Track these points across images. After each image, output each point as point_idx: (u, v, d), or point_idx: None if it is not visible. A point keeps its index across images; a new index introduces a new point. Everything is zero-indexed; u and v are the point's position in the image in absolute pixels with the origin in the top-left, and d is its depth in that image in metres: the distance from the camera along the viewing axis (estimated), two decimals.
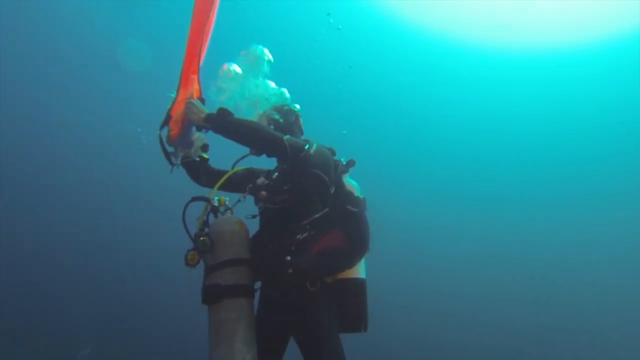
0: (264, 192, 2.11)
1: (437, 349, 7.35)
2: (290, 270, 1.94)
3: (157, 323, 6.76)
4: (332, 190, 2.14)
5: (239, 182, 2.27)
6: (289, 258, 1.95)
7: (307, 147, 2.10)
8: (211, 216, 2.11)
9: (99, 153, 8.10)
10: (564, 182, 9.11)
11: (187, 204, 2.03)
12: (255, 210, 2.27)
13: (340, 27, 7.58)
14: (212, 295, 1.89)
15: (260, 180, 2.22)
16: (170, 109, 2.15)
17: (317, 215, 2.05)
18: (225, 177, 2.20)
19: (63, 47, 8.23)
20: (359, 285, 2.10)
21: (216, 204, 2.09)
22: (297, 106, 2.48)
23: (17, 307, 6.50)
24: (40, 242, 7.19)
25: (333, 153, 2.29)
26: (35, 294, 6.72)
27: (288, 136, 2.10)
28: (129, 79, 8.29)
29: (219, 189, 2.16)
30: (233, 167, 2.33)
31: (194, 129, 2.21)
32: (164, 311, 6.89)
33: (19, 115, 7.61)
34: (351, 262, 2.04)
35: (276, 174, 2.20)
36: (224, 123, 2.05)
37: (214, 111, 2.06)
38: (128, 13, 8.37)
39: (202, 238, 1.94)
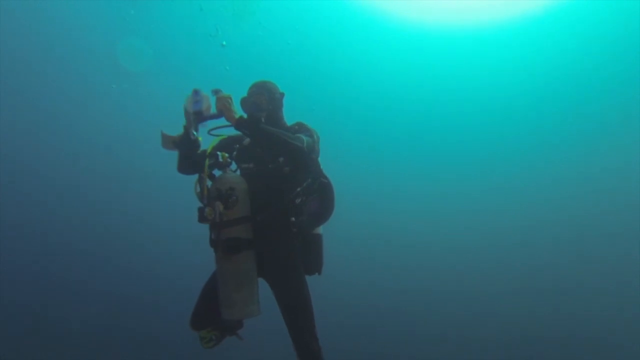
0: (282, 158, 2.38)
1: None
2: (295, 229, 2.38)
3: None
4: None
5: (220, 149, 2.50)
6: (293, 219, 2.36)
7: (318, 144, 2.48)
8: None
9: (99, 153, 8.11)
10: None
11: (207, 156, 2.30)
12: None
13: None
14: (235, 247, 2.19)
15: (247, 141, 2.50)
16: None
17: (305, 184, 2.44)
18: (216, 140, 2.49)
19: (63, 47, 8.25)
20: (321, 239, 2.58)
21: (221, 160, 2.33)
22: None
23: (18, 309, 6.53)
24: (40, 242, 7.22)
25: None
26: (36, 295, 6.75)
27: (306, 139, 2.36)
28: (129, 79, 8.30)
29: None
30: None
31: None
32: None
33: (19, 116, 7.62)
34: (324, 221, 2.54)
35: None
36: (255, 131, 2.25)
37: (245, 115, 2.28)
38: (128, 13, 8.38)
39: (233, 197, 2.18)
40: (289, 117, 2.68)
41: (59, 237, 7.33)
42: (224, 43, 7.70)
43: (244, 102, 2.53)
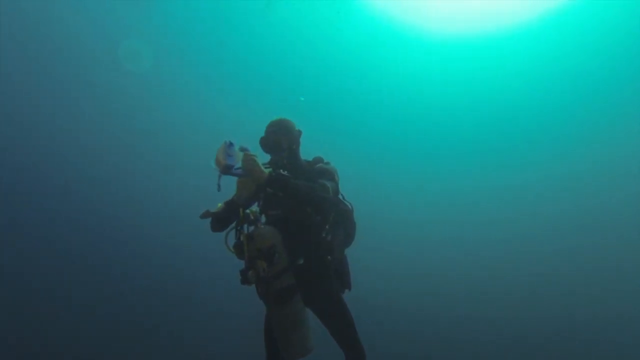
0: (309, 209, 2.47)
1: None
2: (333, 266, 2.51)
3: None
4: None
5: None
6: (330, 257, 2.47)
7: (338, 182, 2.58)
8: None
9: (99, 154, 8.11)
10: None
11: (242, 217, 2.32)
12: None
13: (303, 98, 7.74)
14: (290, 294, 2.28)
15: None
16: None
17: (330, 219, 2.54)
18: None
19: (64, 47, 8.25)
20: (346, 259, 2.70)
21: (252, 217, 2.35)
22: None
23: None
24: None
25: None
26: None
27: (330, 185, 2.44)
28: (129, 79, 8.31)
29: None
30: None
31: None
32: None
33: (19, 116, 7.62)
34: (350, 244, 2.71)
35: None
36: (286, 189, 2.29)
37: (273, 173, 2.30)
38: (128, 13, 8.39)
39: (276, 255, 2.23)
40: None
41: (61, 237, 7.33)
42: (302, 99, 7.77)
43: (264, 142, 2.56)
